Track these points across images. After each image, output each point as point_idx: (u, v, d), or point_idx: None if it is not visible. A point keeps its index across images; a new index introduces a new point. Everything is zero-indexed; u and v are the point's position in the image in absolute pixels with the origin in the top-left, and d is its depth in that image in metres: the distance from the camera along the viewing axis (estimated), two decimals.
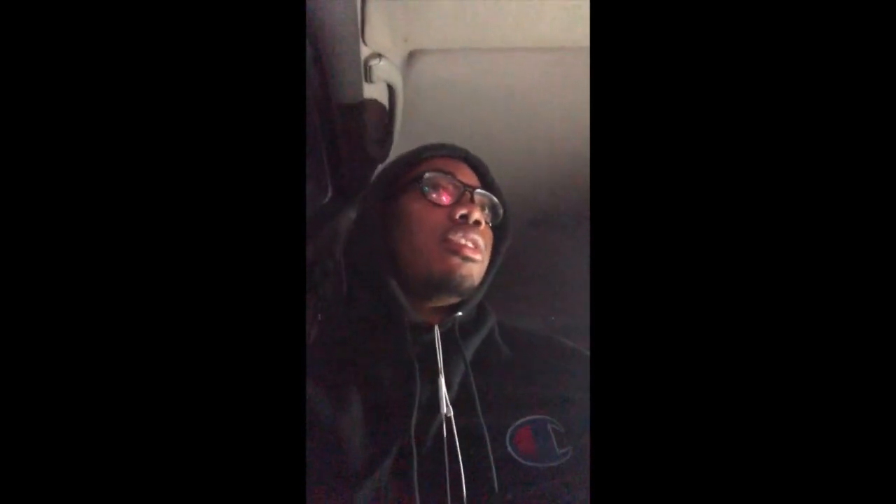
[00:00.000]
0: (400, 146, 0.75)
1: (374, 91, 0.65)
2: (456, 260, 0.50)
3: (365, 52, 0.59)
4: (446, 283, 0.50)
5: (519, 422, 0.44)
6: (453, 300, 0.53)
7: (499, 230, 0.59)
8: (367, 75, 0.61)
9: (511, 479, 0.41)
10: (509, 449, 0.42)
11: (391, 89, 0.67)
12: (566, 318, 1.28)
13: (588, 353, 0.54)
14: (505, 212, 0.59)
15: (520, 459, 0.42)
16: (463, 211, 0.52)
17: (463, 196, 0.53)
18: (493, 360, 0.51)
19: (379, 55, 0.60)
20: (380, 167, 0.66)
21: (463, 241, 0.50)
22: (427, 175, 0.54)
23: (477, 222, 0.52)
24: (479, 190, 0.55)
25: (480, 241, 0.52)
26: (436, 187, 0.54)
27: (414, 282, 0.52)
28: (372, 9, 0.54)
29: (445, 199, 0.53)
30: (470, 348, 0.51)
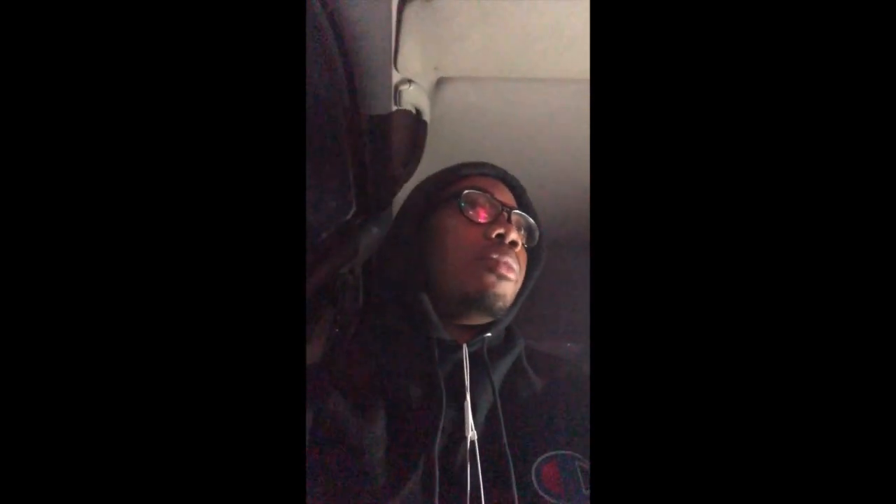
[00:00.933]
0: (424, 169, 0.77)
1: (401, 115, 0.67)
2: (492, 278, 0.49)
3: (396, 77, 0.61)
4: (480, 301, 0.49)
5: (545, 455, 0.43)
6: (485, 320, 0.52)
7: (533, 253, 0.58)
8: (397, 99, 0.63)
9: None
10: (535, 483, 0.41)
11: (418, 112, 0.69)
12: (584, 343, 1.27)
13: None
14: (540, 235, 0.58)
15: (544, 496, 0.41)
16: (500, 230, 0.51)
17: (500, 216, 0.53)
18: (520, 387, 0.50)
19: (409, 81, 0.63)
20: (414, 182, 0.67)
21: (499, 260, 0.50)
22: (466, 192, 0.53)
23: (513, 243, 0.51)
24: (516, 210, 0.55)
25: (514, 263, 0.51)
26: (473, 204, 0.53)
27: (446, 298, 0.51)
28: (405, 36, 0.57)
29: (482, 217, 0.53)
30: (498, 372, 0.50)
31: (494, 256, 0.49)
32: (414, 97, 0.65)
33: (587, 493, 0.41)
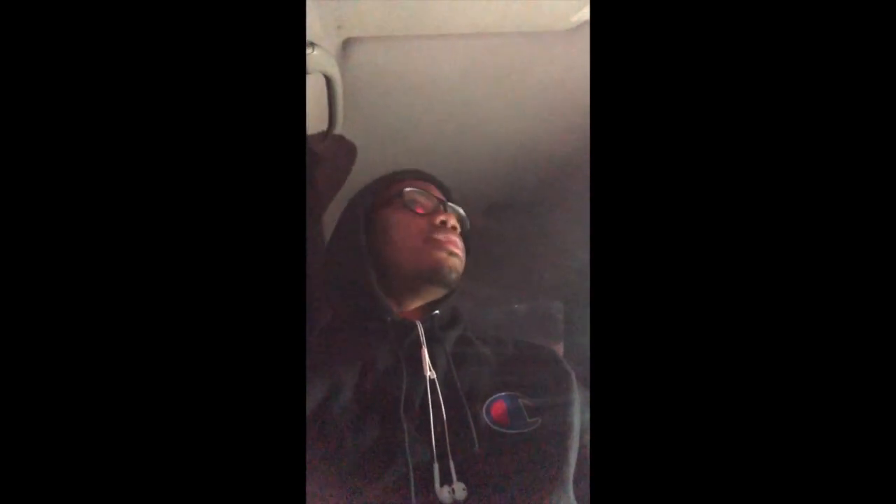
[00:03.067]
0: (345, 139, 0.73)
1: (311, 83, 0.63)
2: (442, 254, 0.58)
3: None
4: (436, 274, 0.58)
5: (494, 396, 0.53)
6: (441, 293, 0.61)
7: (466, 240, 0.66)
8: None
9: (488, 443, 0.49)
10: (485, 418, 0.51)
11: (328, 80, 0.65)
12: (534, 304, 1.29)
13: (554, 349, 0.65)
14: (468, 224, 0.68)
15: (495, 427, 0.50)
16: (442, 218, 0.61)
17: (438, 207, 0.63)
18: (468, 353, 0.59)
19: (312, 44, 0.58)
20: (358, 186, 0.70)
21: (446, 238, 0.59)
22: (408, 189, 0.63)
23: (454, 228, 0.62)
24: (450, 203, 0.65)
25: (460, 242, 0.61)
26: (416, 199, 0.63)
27: (401, 281, 0.59)
28: None
29: (424, 209, 0.62)
30: (448, 341, 0.58)
31: (441, 237, 0.59)
32: (320, 63, 0.60)
33: (531, 420, 0.52)
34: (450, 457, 0.47)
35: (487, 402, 0.52)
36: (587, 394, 0.62)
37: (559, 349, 1.32)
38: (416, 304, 0.62)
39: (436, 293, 0.61)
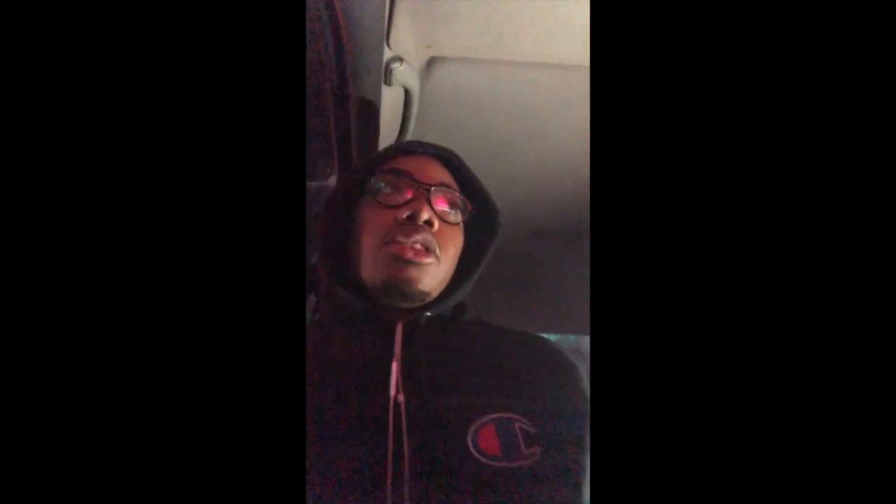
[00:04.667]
0: None
1: (391, 94, 0.65)
2: (397, 265, 0.46)
3: (387, 54, 0.59)
4: (391, 288, 0.47)
5: (483, 419, 0.42)
6: (411, 305, 0.49)
7: (479, 228, 0.55)
8: (387, 78, 0.61)
9: (472, 482, 0.39)
10: (470, 446, 0.40)
11: (408, 93, 0.67)
12: (562, 336, 1.29)
13: (579, 363, 0.52)
14: (487, 209, 0.55)
15: (482, 458, 0.40)
16: (408, 211, 0.48)
17: (417, 195, 0.49)
18: (461, 357, 0.47)
19: (400, 59, 0.61)
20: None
21: (404, 243, 0.46)
22: (374, 177, 0.50)
23: (428, 222, 0.48)
24: (435, 187, 0.50)
25: (432, 242, 0.48)
26: (385, 188, 0.50)
27: (367, 287, 0.49)
28: (399, 12, 0.54)
29: (397, 199, 0.49)
30: (437, 345, 0.47)
31: (400, 241, 0.47)
32: (404, 76, 0.63)
33: (527, 452, 0.41)
34: (407, 498, 0.38)
35: (474, 427, 0.41)
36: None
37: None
38: (395, 307, 0.49)
39: (406, 306, 0.49)
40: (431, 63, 0.66)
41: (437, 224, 0.49)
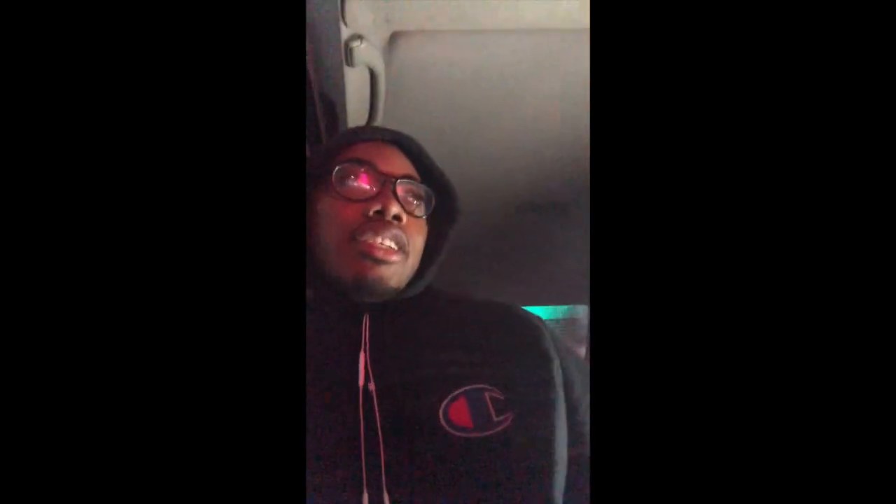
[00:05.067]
0: None
1: (355, 75, 0.62)
2: (366, 263, 0.45)
3: (345, 33, 0.56)
4: (359, 287, 0.46)
5: (453, 394, 0.42)
6: (377, 300, 0.48)
7: (439, 214, 0.54)
8: (349, 59, 0.58)
9: (449, 452, 0.40)
10: (442, 422, 0.41)
11: (373, 73, 0.64)
12: (559, 300, 1.28)
13: (540, 322, 0.52)
14: (447, 202, 0.54)
15: (454, 432, 0.40)
16: (377, 206, 0.46)
17: (383, 188, 0.47)
18: (431, 335, 0.48)
19: (360, 37, 0.57)
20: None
21: (374, 242, 0.45)
22: (338, 167, 0.47)
23: (397, 217, 0.47)
24: (401, 180, 0.48)
25: (402, 238, 0.47)
26: (347, 179, 0.47)
27: (332, 282, 0.47)
28: None
29: (360, 192, 0.47)
30: (406, 327, 0.47)
31: (368, 240, 0.45)
32: (366, 55, 0.59)
33: (498, 419, 0.42)
34: (385, 488, 0.38)
35: (445, 403, 0.41)
36: (584, 364, 0.52)
37: (582, 352, 1.31)
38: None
39: (373, 300, 0.48)
40: (394, 39, 0.62)
41: (405, 218, 0.48)
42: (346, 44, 0.56)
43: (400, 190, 0.48)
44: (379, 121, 0.71)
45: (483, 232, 1.05)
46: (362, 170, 0.48)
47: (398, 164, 0.50)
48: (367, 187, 0.48)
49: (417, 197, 0.51)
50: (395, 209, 0.46)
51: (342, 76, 0.59)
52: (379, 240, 0.45)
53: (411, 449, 0.40)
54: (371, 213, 0.46)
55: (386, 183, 0.47)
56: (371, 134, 0.52)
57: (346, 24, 0.55)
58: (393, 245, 0.46)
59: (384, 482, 0.38)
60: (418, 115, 0.75)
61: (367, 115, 0.70)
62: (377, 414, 0.40)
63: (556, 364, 0.48)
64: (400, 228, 0.47)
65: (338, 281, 0.47)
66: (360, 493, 0.38)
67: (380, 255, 0.45)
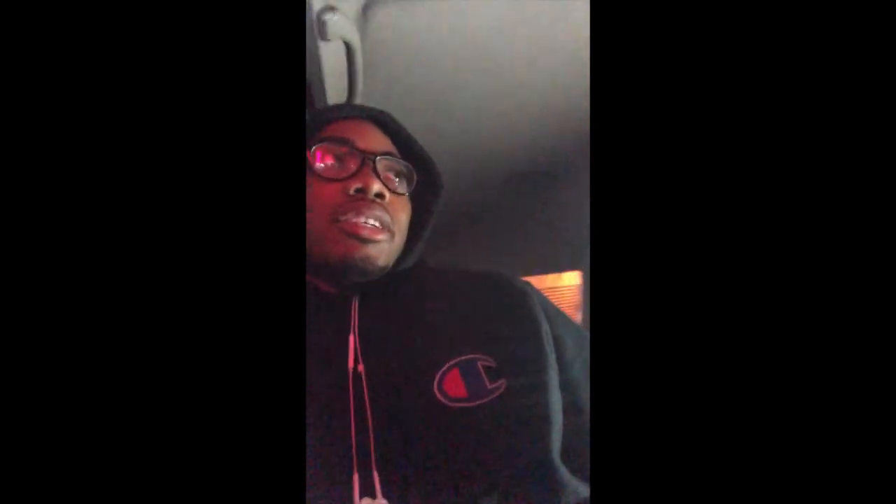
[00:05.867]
0: None
1: (330, 50, 0.60)
2: (352, 242, 0.44)
3: (316, 5, 0.54)
4: (346, 268, 0.45)
5: (446, 366, 0.42)
6: (365, 280, 0.47)
7: (422, 190, 0.53)
8: (322, 32, 0.56)
9: (445, 424, 0.40)
10: (438, 395, 0.41)
11: (348, 47, 0.62)
12: (556, 268, 1.29)
13: (528, 287, 0.52)
14: (429, 177, 0.53)
15: (450, 404, 0.40)
16: (358, 184, 0.45)
17: (363, 166, 0.46)
18: (418, 308, 0.47)
19: (332, 8, 0.55)
20: None
21: (359, 221, 0.44)
22: (314, 147, 0.47)
23: (379, 195, 0.46)
24: (381, 156, 0.48)
25: (385, 217, 0.46)
26: (326, 159, 0.47)
27: (317, 265, 0.46)
28: None
29: (340, 171, 0.46)
30: (396, 305, 0.47)
31: (353, 219, 0.44)
32: (340, 28, 0.57)
33: (492, 387, 0.42)
34: (374, 466, 0.38)
35: (438, 376, 0.41)
36: (574, 325, 0.52)
37: (578, 318, 1.32)
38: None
39: (360, 280, 0.47)
40: (367, 8, 0.60)
41: (387, 196, 0.47)
42: (319, 16, 0.54)
43: (380, 167, 0.47)
44: (359, 96, 0.69)
45: (471, 204, 1.05)
46: (339, 147, 0.47)
47: (377, 140, 0.49)
48: (346, 165, 0.47)
49: (398, 174, 0.50)
50: (376, 187, 0.45)
51: (317, 51, 0.57)
52: (363, 219, 0.44)
53: (405, 425, 0.40)
54: (352, 191, 0.45)
55: (365, 160, 0.47)
56: (347, 111, 0.51)
57: None
58: (377, 224, 0.45)
59: (374, 462, 0.38)
60: (398, 87, 0.73)
61: (345, 92, 0.68)
62: (366, 395, 0.40)
63: (546, 327, 0.47)
64: (383, 207, 0.46)
65: (325, 263, 0.46)
66: (350, 475, 0.38)
67: (365, 233, 0.45)
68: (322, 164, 0.47)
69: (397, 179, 0.50)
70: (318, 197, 0.46)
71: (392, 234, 0.47)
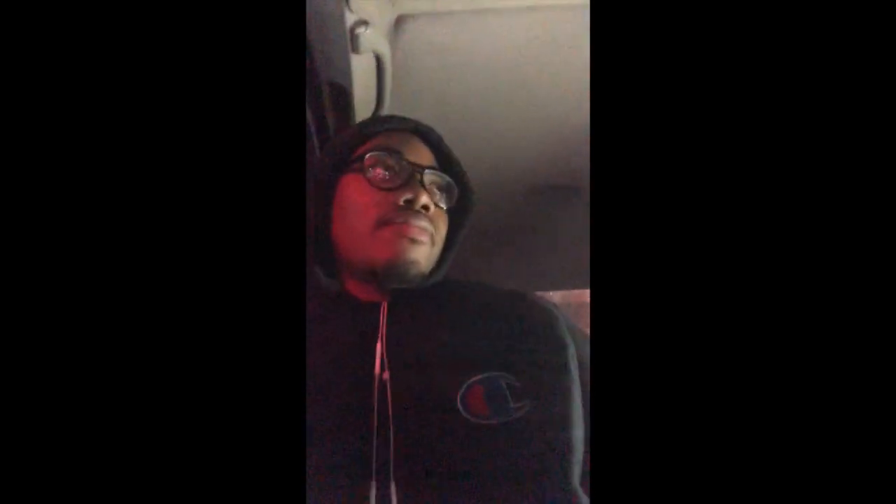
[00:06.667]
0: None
1: (361, 62, 0.61)
2: (403, 243, 0.46)
3: (350, 19, 0.54)
4: (392, 270, 0.46)
5: (470, 381, 0.42)
6: (404, 286, 0.48)
7: (457, 213, 0.54)
8: (354, 45, 0.57)
9: (467, 440, 0.40)
10: (461, 410, 0.41)
11: (379, 59, 0.63)
12: (567, 292, 1.28)
13: (553, 308, 0.52)
14: (463, 192, 0.54)
15: (473, 419, 0.40)
16: (408, 195, 0.47)
17: (411, 178, 0.48)
18: (446, 325, 0.47)
19: (365, 22, 0.56)
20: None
21: (408, 223, 0.46)
22: (369, 155, 0.48)
23: (425, 207, 0.47)
24: (428, 171, 0.49)
25: (430, 228, 0.48)
26: (379, 168, 0.48)
27: (358, 272, 0.48)
28: None
29: (390, 181, 0.48)
30: (422, 317, 0.47)
31: (402, 220, 0.46)
32: (372, 41, 0.58)
33: (515, 406, 0.41)
34: (392, 478, 0.38)
35: (462, 389, 0.41)
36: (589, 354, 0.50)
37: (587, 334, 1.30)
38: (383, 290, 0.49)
39: (398, 286, 0.48)
40: (399, 23, 0.61)
41: (432, 209, 0.48)
42: (352, 30, 0.55)
43: (426, 180, 0.49)
44: (386, 107, 0.70)
45: (492, 216, 1.05)
46: (390, 158, 0.48)
47: (422, 154, 0.51)
48: (396, 176, 0.48)
49: (440, 188, 0.51)
50: (423, 199, 0.47)
51: (349, 64, 0.58)
52: (413, 222, 0.46)
53: (425, 437, 0.40)
54: (401, 201, 0.47)
55: (414, 173, 0.48)
56: (395, 123, 0.53)
57: (351, 10, 0.53)
58: (424, 230, 0.47)
59: (392, 471, 0.38)
60: (424, 100, 0.74)
61: (373, 103, 0.69)
62: (389, 403, 0.40)
63: (572, 350, 0.47)
64: (428, 219, 0.48)
65: (368, 266, 0.47)
66: (368, 484, 0.38)
67: (415, 234, 0.46)
68: (375, 173, 0.48)
69: (439, 193, 0.51)
70: (367, 205, 0.47)
71: (433, 245, 0.49)
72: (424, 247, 0.47)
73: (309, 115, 0.63)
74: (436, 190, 0.50)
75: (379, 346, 0.43)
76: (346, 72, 0.60)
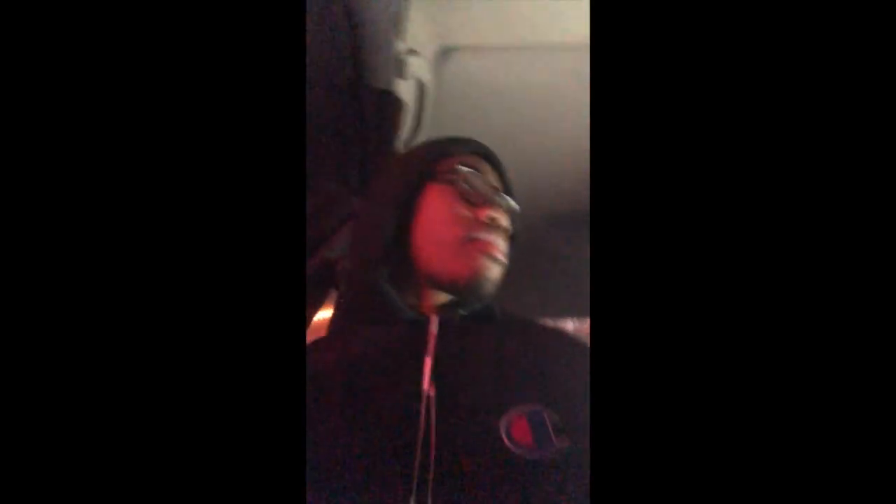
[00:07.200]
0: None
1: (405, 88, 0.65)
2: (485, 261, 0.47)
3: (399, 47, 0.58)
4: (471, 283, 0.47)
5: (514, 411, 0.42)
6: (473, 303, 0.49)
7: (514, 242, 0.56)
8: (402, 72, 0.60)
9: (508, 469, 0.39)
10: (504, 438, 0.40)
11: (422, 86, 0.66)
12: (585, 323, 1.27)
13: (561, 328, 0.54)
14: (514, 218, 0.56)
15: (514, 448, 0.40)
16: (493, 214, 0.49)
17: (491, 198, 0.50)
18: (490, 351, 0.47)
19: (413, 51, 0.60)
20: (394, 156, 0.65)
21: (491, 241, 0.48)
22: (466, 170, 0.50)
23: (505, 229, 0.50)
24: (504, 195, 0.52)
25: (506, 249, 0.50)
26: (470, 183, 0.50)
27: (426, 278, 0.49)
28: (414, 4, 0.53)
29: (479, 197, 0.50)
30: (468, 339, 0.47)
31: (486, 238, 0.48)
32: (418, 68, 0.62)
33: (557, 440, 0.41)
34: (430, 493, 0.38)
35: (506, 419, 0.42)
36: None
37: None
38: (439, 300, 0.50)
39: (464, 299, 0.49)
40: (444, 54, 0.65)
41: (509, 231, 0.51)
42: (400, 57, 0.59)
43: (503, 203, 0.51)
44: (424, 131, 0.74)
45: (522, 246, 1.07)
46: (481, 179, 0.51)
47: (494, 177, 0.54)
48: (480, 194, 0.50)
49: (510, 212, 0.53)
50: (504, 220, 0.49)
51: (394, 88, 0.62)
52: (496, 240, 0.48)
53: (466, 462, 0.39)
54: (486, 217, 0.48)
55: (494, 192, 0.51)
56: (472, 147, 0.55)
57: (401, 38, 0.57)
58: (503, 248, 0.49)
59: (430, 490, 0.37)
60: (460, 128, 0.77)
61: (413, 126, 0.72)
62: (433, 420, 0.40)
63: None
64: (505, 238, 0.50)
65: (449, 278, 0.48)
66: (408, 497, 0.37)
67: (497, 253, 0.48)
68: (467, 186, 0.50)
69: (509, 216, 0.53)
70: (455, 217, 0.48)
71: (504, 265, 0.50)
72: (501, 267, 0.49)
73: (352, 134, 0.67)
74: (505, 213, 0.52)
75: (428, 360, 0.44)
76: (392, 95, 0.63)
